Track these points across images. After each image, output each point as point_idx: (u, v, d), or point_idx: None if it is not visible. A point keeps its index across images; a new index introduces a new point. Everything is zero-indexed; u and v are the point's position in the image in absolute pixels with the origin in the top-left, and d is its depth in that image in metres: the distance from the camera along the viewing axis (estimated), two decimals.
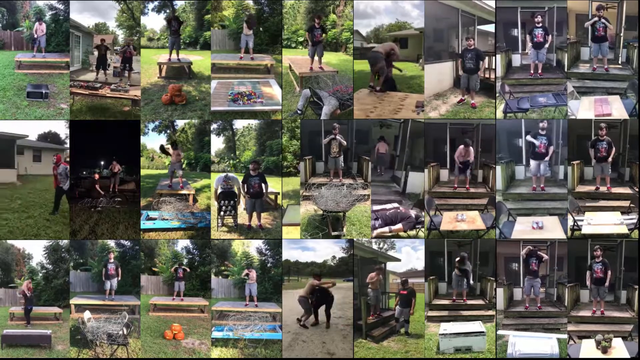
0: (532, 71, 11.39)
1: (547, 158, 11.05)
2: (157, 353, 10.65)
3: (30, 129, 11.11)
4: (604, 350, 9.97)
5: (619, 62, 11.45)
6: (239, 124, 11.49)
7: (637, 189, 10.92)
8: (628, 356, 10.02)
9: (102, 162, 11.80)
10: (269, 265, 11.19)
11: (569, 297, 10.88)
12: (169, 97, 11.21)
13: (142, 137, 11.03)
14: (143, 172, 11.08)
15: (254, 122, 11.57)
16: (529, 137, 11.09)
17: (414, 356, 10.42)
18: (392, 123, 11.46)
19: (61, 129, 11.03)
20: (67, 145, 11.14)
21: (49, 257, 11.23)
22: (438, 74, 11.65)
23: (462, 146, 11.30)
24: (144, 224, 10.91)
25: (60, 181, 11.17)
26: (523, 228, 10.80)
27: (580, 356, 10.10)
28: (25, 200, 11.39)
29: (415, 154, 11.40)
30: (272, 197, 11.28)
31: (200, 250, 11.24)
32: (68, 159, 11.15)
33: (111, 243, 11.16)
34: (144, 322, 11.05)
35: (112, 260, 11.17)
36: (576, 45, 11.51)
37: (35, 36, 11.48)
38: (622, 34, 11.35)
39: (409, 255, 10.94)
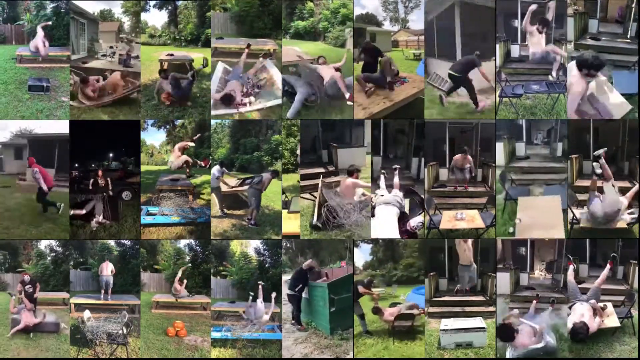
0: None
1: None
2: (159, 350, 10.63)
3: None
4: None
5: (628, 36, 11.17)
6: (212, 120, 11.30)
7: (636, 183, 10.99)
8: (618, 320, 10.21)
9: (111, 155, 11.71)
10: (267, 265, 11.19)
11: None
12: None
13: (141, 132, 11.02)
14: (143, 168, 11.10)
15: (227, 120, 11.53)
16: None
17: (413, 355, 10.44)
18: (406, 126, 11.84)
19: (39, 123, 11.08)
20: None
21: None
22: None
23: (460, 155, 11.42)
24: (144, 219, 10.91)
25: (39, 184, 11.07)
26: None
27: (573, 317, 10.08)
28: None
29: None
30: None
31: (202, 247, 11.21)
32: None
33: (111, 242, 11.15)
34: (146, 319, 11.02)
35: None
36: (584, 16, 11.28)
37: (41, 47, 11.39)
38: (633, 6, 11.04)
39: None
